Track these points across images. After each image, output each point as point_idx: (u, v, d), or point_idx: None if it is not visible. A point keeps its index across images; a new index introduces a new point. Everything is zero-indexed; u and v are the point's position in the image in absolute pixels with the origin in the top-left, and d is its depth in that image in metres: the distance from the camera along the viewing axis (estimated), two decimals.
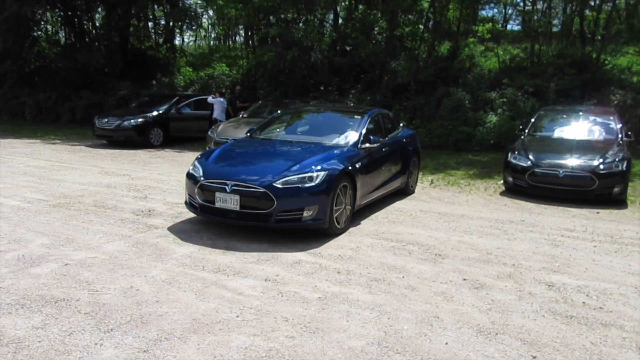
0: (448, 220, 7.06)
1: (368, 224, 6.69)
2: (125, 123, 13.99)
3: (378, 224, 6.74)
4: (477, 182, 10.10)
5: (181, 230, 6.11)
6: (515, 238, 6.30)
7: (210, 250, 5.44)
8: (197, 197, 5.99)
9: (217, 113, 14.10)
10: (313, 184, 5.74)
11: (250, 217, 5.69)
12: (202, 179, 5.97)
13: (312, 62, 16.99)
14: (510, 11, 25.51)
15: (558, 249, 5.93)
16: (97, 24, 22.73)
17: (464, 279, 4.83)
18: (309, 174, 5.82)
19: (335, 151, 6.48)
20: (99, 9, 22.59)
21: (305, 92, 16.93)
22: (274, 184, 5.67)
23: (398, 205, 7.89)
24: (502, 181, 9.50)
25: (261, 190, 5.64)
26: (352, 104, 9.90)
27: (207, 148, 11.59)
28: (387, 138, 7.81)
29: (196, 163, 6.32)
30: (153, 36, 25.31)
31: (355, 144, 6.83)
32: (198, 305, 4.10)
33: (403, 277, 4.84)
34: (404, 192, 8.60)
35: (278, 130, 7.60)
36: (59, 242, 5.56)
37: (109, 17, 21.58)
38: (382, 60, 17.03)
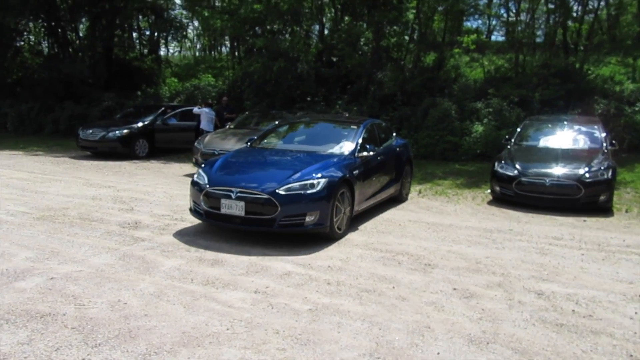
0: (437, 230, 7.09)
1: (357, 235, 6.69)
2: (110, 134, 13.90)
3: (367, 234, 6.75)
4: (465, 191, 10.17)
5: (168, 243, 6.08)
6: (504, 247, 6.33)
7: (198, 262, 5.42)
8: (202, 204, 6.27)
9: (204, 124, 14.00)
10: (314, 190, 6.05)
11: (255, 222, 5.98)
12: (207, 186, 6.26)
13: (298, 73, 17.02)
14: (494, 22, 25.91)
15: (546, 257, 5.96)
16: (81, 34, 22.61)
17: (454, 289, 4.84)
18: (311, 181, 6.12)
19: (334, 159, 6.81)
20: (83, 19, 22.46)
21: (291, 102, 16.94)
22: (278, 191, 5.97)
23: (386, 215, 7.93)
24: (489, 190, 9.58)
25: (265, 197, 5.93)
26: (347, 114, 10.23)
27: (194, 160, 11.59)
28: (381, 147, 8.12)
29: (201, 171, 6.60)
30: (138, 47, 25.25)
31: (353, 152, 7.16)
32: (187, 318, 4.06)
33: (393, 287, 4.84)
34: (398, 199, 8.88)
35: (277, 140, 7.93)
36: (43, 255, 5.49)
37: (93, 28, 21.49)
38: (369, 71, 17.12)
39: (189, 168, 12.60)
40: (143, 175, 11.31)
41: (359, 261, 5.61)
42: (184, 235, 6.40)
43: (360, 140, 7.45)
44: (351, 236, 6.59)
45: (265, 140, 7.90)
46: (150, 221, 7.07)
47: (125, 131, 14.02)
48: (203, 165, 6.84)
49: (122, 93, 20.23)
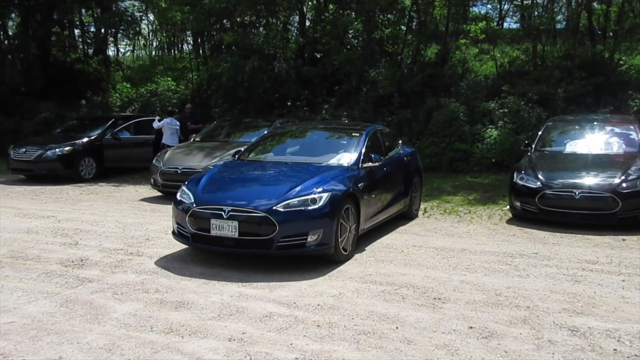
0: (447, 256, 7.14)
1: (351, 265, 6.72)
2: (49, 153, 13.82)
3: (363, 264, 6.78)
4: (479, 209, 10.27)
5: (122, 283, 6.04)
6: (529, 274, 6.36)
7: (159, 305, 5.39)
8: (188, 225, 6.56)
9: (167, 137, 13.98)
10: (316, 206, 6.38)
11: (250, 244, 6.31)
12: (194, 205, 6.57)
13: (275, 73, 17.15)
14: (506, 7, 26.24)
15: (580, 285, 5.99)
16: (11, 33, 22.54)
17: (470, 327, 4.85)
18: (312, 196, 6.46)
19: (335, 172, 7.20)
20: (13, 15, 22.37)
21: (268, 109, 17.05)
22: (275, 208, 6.28)
23: (386, 240, 7.98)
24: (508, 207, 9.68)
25: (261, 215, 6.24)
26: (346, 120, 10.62)
27: (152, 181, 11.71)
28: (387, 157, 8.57)
29: (185, 189, 6.96)
30: (81, 46, 25.23)
31: (356, 163, 7.56)
32: None
33: (397, 328, 4.84)
34: (407, 215, 9.23)
35: (268, 151, 8.43)
36: None
37: (26, 25, 21.42)
38: (359, 69, 17.28)
39: (146, 191, 12.57)
40: (90, 202, 11.25)
41: (355, 297, 5.59)
42: (141, 273, 6.37)
43: (363, 150, 7.79)
44: (344, 267, 6.62)
45: (254, 152, 8.32)
46: (99, 257, 7.03)
47: (67, 149, 13.95)
48: (187, 183, 7.20)
49: (63, 103, 20.14)
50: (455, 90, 16.24)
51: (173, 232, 6.98)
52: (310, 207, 6.35)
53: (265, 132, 12.16)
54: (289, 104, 16.83)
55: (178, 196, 6.94)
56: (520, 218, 9.17)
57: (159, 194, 11.89)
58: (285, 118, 14.80)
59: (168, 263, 6.77)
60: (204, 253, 7.06)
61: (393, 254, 7.24)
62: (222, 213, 6.32)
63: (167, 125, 14.05)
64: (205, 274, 6.33)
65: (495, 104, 15.28)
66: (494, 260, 6.93)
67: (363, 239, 7.72)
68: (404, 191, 8.92)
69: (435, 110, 15.23)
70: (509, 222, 9.20)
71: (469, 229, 8.79)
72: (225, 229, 6.28)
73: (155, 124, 14.31)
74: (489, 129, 14.71)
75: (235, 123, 14.19)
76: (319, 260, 6.69)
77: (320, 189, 6.56)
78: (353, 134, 8.26)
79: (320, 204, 6.39)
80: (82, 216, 9.68)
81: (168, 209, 10.13)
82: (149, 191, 12.45)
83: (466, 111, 15.10)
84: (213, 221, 6.34)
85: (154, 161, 11.98)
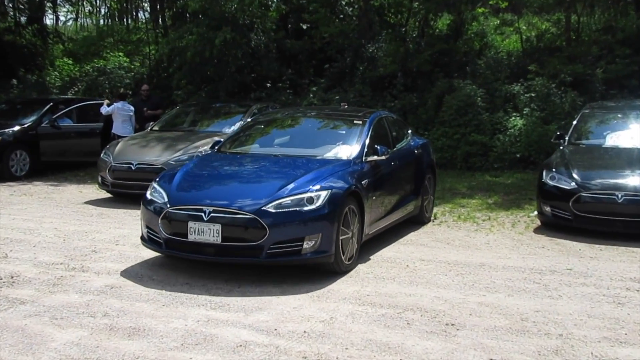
0: (462, 272, 7.15)
1: (345, 282, 6.71)
2: None
3: (360, 281, 6.77)
4: (501, 214, 10.27)
5: (63, 305, 5.96)
6: (561, 295, 6.35)
7: (108, 332, 5.32)
8: (161, 229, 6.73)
9: (118, 125, 13.95)
10: (314, 206, 6.57)
11: (236, 251, 6.51)
12: (167, 206, 6.76)
13: (252, 48, 17.09)
14: None
15: (624, 308, 5.97)
16: None
17: None
18: (308, 195, 6.65)
19: (335, 166, 7.42)
20: None
21: (243, 91, 17.05)
22: (265, 208, 6.47)
23: (387, 252, 7.99)
24: (535, 212, 9.68)
25: (249, 217, 6.42)
26: (346, 105, 10.84)
27: (100, 179, 11.71)
28: (395, 149, 8.81)
29: (156, 187, 7.17)
30: (12, 13, 24.94)
31: (359, 156, 7.77)
32: None
33: None
34: (418, 219, 9.49)
35: (254, 142, 8.72)
36: None
37: None
38: (355, 43, 17.26)
39: (92, 192, 12.52)
40: (23, 205, 11.17)
41: (349, 322, 5.57)
42: (87, 293, 6.29)
43: (367, 140, 8.00)
44: (336, 285, 6.61)
45: (237, 143, 8.56)
46: (33, 273, 6.95)
47: None
48: (158, 179, 7.40)
49: None
50: (471, 69, 16.26)
51: (142, 238, 7.18)
52: (306, 208, 6.53)
53: (241, 119, 12.34)
54: (268, 85, 16.85)
55: (148, 195, 7.12)
56: (551, 226, 9.18)
57: (108, 195, 11.84)
58: (265, 103, 14.70)
59: (120, 280, 6.72)
60: (164, 267, 7.06)
61: (396, 269, 7.23)
62: (202, 215, 6.47)
63: (119, 111, 13.98)
64: (166, 293, 6.28)
65: (520, 87, 15.28)
66: (518, 278, 6.92)
67: (360, 251, 7.68)
68: (414, 190, 9.15)
69: (447, 94, 15.23)
70: (536, 231, 9.20)
71: (488, 239, 8.80)
72: (206, 233, 6.43)
73: (104, 110, 14.22)
74: (513, 118, 14.72)
75: (202, 109, 14.16)
76: (305, 277, 6.70)
77: (317, 187, 6.74)
78: (355, 122, 8.47)
79: (318, 203, 6.57)
80: (13, 222, 9.60)
81: (119, 213, 10.28)
82: (95, 192, 12.39)
83: (485, 95, 15.10)
84: (191, 224, 6.49)
85: (102, 155, 11.93)
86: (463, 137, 14.65)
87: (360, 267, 7.27)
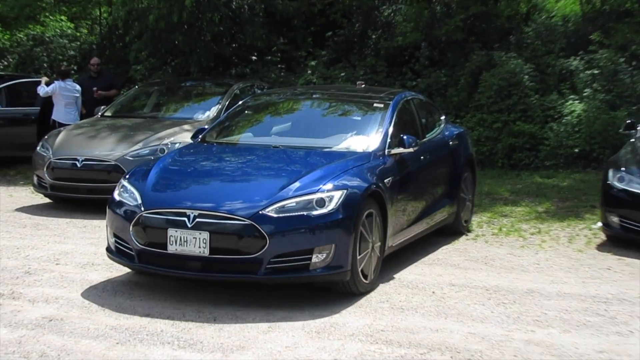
0: (504, 301, 7.05)
1: (354, 313, 6.63)
2: None
3: (372, 312, 6.68)
4: (554, 226, 10.16)
5: None
6: (632, 331, 6.26)
7: None
8: (133, 238, 6.75)
9: (60, 110, 13.88)
10: (326, 210, 6.57)
11: (227, 266, 6.55)
12: (141, 209, 6.78)
13: (232, 10, 16.92)
14: None
15: None
16: None
17: None
18: (319, 195, 6.67)
19: (350, 160, 7.45)
20: None
21: (222, 66, 16.96)
22: (265, 212, 6.49)
23: (407, 274, 7.86)
24: (599, 224, 9.61)
25: (245, 223, 6.44)
26: (363, 85, 10.75)
27: (36, 179, 11.61)
28: (425, 139, 8.90)
29: (127, 185, 7.24)
30: None
31: (381, 148, 7.81)
32: None
33: None
34: (452, 229, 9.57)
35: (246, 130, 8.86)
36: None
37: None
38: (366, 4, 17.14)
39: (26, 196, 12.50)
40: None
41: None
42: (19, 327, 6.16)
43: (391, 129, 8.01)
44: (342, 317, 6.50)
45: (225, 132, 8.67)
46: None
47: None
48: (128, 176, 7.48)
49: None
50: (516, 39, 16.21)
51: (108, 249, 7.21)
52: (316, 212, 6.53)
53: (218, 103, 12.48)
54: (253, 58, 16.82)
55: (116, 195, 7.18)
56: (619, 241, 9.09)
57: (47, 200, 11.77)
58: (249, 81, 14.67)
59: (61, 310, 6.59)
60: (119, 293, 7.00)
61: (419, 296, 7.14)
62: (185, 220, 6.48)
63: (61, 92, 13.89)
64: (121, 327, 6.17)
65: (580, 62, 15.11)
66: (577, 309, 6.82)
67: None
68: (449, 192, 9.23)
69: (485, 71, 15.10)
70: (600, 247, 9.12)
71: (538, 258, 8.67)
72: (190, 243, 6.42)
73: (42, 90, 14.15)
74: (570, 102, 14.57)
75: (168, 89, 14.11)
76: (301, 304, 6.67)
77: (329, 185, 6.75)
78: (374, 105, 8.54)
79: (331, 206, 6.57)
80: None
81: (60, 224, 10.38)
82: (30, 196, 12.37)
83: (534, 72, 14.96)
84: (171, 232, 6.49)
85: (38, 148, 11.78)
86: (505, 127, 14.51)
87: (373, 293, 7.20)
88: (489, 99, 14.77)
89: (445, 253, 8.84)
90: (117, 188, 7.30)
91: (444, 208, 9.03)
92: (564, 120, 14.27)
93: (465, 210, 9.74)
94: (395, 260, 8.18)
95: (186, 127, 11.45)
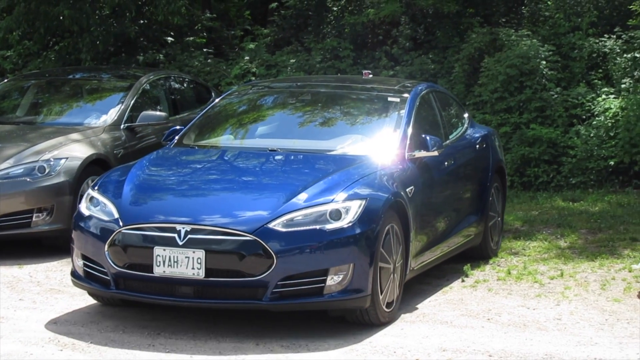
0: None
1: None
2: None
3: None
4: (582, 267, 9.41)
5: None
6: None
7: None
8: (108, 260, 6.65)
9: None
10: (342, 224, 6.53)
11: (226, 290, 6.50)
12: (120, 224, 6.67)
13: None
14: None
15: None
16: None
17: None
18: (333, 206, 6.61)
19: (364, 166, 7.40)
20: None
21: (126, 50, 16.08)
22: (271, 226, 6.44)
23: (380, 336, 7.10)
24: None
25: (247, 238, 6.38)
26: (370, 75, 10.30)
27: None
28: (449, 140, 8.84)
29: (97, 196, 7.09)
30: None
31: (400, 151, 7.75)
32: None
33: None
34: (479, 252, 9.38)
35: (233, 130, 8.77)
36: None
37: None
38: None
39: None
40: None
41: None
42: None
43: (410, 128, 7.95)
44: None
45: (207, 133, 8.66)
46: None
47: None
48: (97, 186, 7.40)
49: None
50: (530, 11, 15.62)
51: (73, 274, 7.15)
52: (330, 226, 6.51)
53: (121, 102, 11.43)
54: (169, 40, 16.08)
55: (83, 209, 7.10)
56: None
57: None
58: (164, 72, 13.53)
59: None
60: (65, 345, 6.52)
61: None
62: (175, 236, 6.43)
63: None
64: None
65: (616, 42, 13.95)
66: None
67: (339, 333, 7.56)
68: (476, 206, 9.14)
69: (487, 56, 13.89)
70: None
71: (560, 311, 7.92)
72: (182, 264, 6.38)
73: None
74: (603, 96, 13.27)
75: (50, 83, 12.56)
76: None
77: (344, 195, 6.75)
78: (389, 99, 8.47)
79: (349, 219, 6.56)
80: None
81: None
82: None
83: (554, 57, 13.66)
84: (158, 251, 6.44)
85: None
86: (516, 131, 13.37)
87: None
88: (493, 94, 13.56)
89: (433, 305, 8.16)
90: (84, 200, 7.24)
91: (472, 225, 8.96)
92: (595, 122, 13.11)
93: (494, 228, 9.55)
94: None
95: (75, 136, 10.21)
